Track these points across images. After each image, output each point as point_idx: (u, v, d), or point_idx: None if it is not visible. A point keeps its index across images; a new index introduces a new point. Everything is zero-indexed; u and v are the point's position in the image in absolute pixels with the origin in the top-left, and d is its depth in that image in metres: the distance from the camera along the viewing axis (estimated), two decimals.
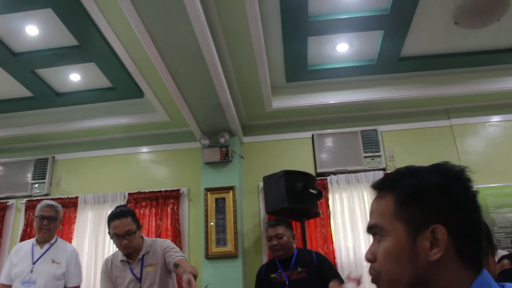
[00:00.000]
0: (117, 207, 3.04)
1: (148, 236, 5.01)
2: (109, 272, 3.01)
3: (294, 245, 3.49)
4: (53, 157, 5.71)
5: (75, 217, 5.25)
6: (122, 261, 2.99)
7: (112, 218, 2.90)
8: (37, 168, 5.63)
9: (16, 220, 5.53)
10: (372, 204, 1.02)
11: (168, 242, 3.03)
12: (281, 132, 5.47)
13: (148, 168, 5.55)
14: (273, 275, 3.34)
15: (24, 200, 5.50)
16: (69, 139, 5.75)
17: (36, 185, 5.57)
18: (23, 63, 4.62)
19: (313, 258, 3.38)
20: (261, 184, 4.96)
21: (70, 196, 5.37)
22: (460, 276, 0.91)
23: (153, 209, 5.15)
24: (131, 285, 2.90)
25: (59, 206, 3.54)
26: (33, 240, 3.46)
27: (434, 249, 0.89)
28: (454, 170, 0.97)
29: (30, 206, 5.36)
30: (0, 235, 5.41)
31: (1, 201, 5.59)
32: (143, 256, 2.95)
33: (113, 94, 5.21)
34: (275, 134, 5.47)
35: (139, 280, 2.89)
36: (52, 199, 5.33)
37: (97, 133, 5.61)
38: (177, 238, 4.97)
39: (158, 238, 3.20)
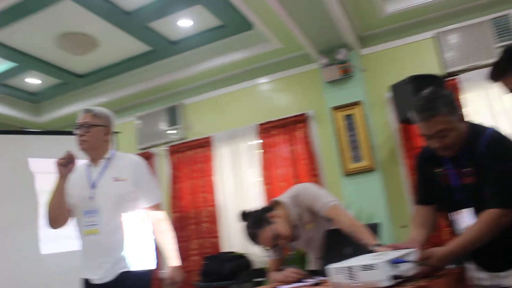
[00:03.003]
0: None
1: (282, 163, 5.20)
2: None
3: (465, 126, 2.05)
4: (181, 103, 6.05)
5: (212, 155, 5.60)
6: None
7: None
8: (170, 115, 6.03)
9: (161, 166, 6.08)
10: None
11: (307, 197, 2.48)
12: (399, 37, 5.10)
13: (271, 97, 5.62)
14: (438, 170, 2.18)
15: (165, 147, 6.01)
16: (192, 83, 6.01)
17: (172, 132, 5.99)
18: (136, 19, 4.82)
19: (482, 145, 1.97)
20: (387, 94, 4.79)
21: (204, 137, 5.72)
22: None
23: (284, 136, 5.27)
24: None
25: (103, 111, 2.75)
26: (87, 161, 2.72)
27: None
28: None
29: (172, 151, 5.94)
30: None
31: (145, 150, 6.16)
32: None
33: (224, 31, 5.27)
34: (393, 40, 5.13)
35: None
36: (188, 141, 5.77)
37: (216, 72, 5.79)
38: (311, 160, 5.06)
39: (296, 192, 2.55)
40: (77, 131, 2.64)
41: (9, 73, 5.69)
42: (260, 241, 2.41)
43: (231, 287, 5.11)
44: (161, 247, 2.68)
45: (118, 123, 6.16)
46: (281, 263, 2.70)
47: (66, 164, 2.49)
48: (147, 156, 6.06)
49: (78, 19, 4.67)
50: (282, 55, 5.50)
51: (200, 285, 4.99)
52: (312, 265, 2.70)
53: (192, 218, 5.57)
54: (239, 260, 4.96)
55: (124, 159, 2.72)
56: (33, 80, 6.02)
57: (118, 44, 5.30)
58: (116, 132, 5.25)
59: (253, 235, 2.42)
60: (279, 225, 2.40)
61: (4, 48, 5.08)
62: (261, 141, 5.36)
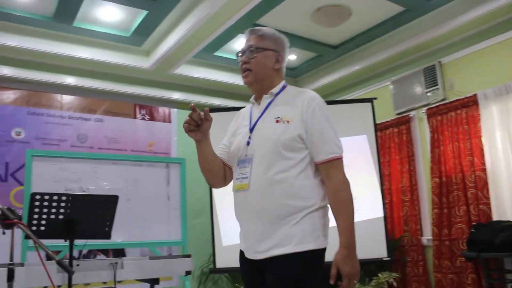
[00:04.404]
0: None
1: None
2: None
3: None
4: (439, 61, 5.67)
5: (479, 115, 5.10)
6: None
7: None
8: (427, 76, 5.72)
9: (421, 129, 5.87)
10: None
11: None
12: None
13: None
14: None
15: (423, 109, 5.76)
16: (450, 39, 5.54)
17: (430, 93, 5.68)
18: None
19: None
20: None
21: (468, 96, 5.24)
22: None
23: None
24: None
25: (272, 31, 2.12)
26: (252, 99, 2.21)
27: None
28: None
29: (431, 114, 5.64)
30: (411, 144, 5.90)
31: (404, 114, 6.02)
32: None
33: None
34: None
35: None
36: (449, 102, 5.42)
37: (477, 24, 5.18)
38: None
39: None
40: (239, 59, 2.10)
41: None
42: None
43: (505, 260, 4.68)
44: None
45: (373, 89, 6.42)
46: None
47: (193, 127, 1.97)
48: (405, 121, 5.94)
49: None
50: None
51: (467, 254, 4.70)
52: None
53: (456, 184, 5.21)
54: None
55: (295, 95, 2.04)
56: (290, 57, 6.48)
57: (370, 9, 5.27)
58: (373, 98, 5.32)
59: None
60: None
61: None
62: None
